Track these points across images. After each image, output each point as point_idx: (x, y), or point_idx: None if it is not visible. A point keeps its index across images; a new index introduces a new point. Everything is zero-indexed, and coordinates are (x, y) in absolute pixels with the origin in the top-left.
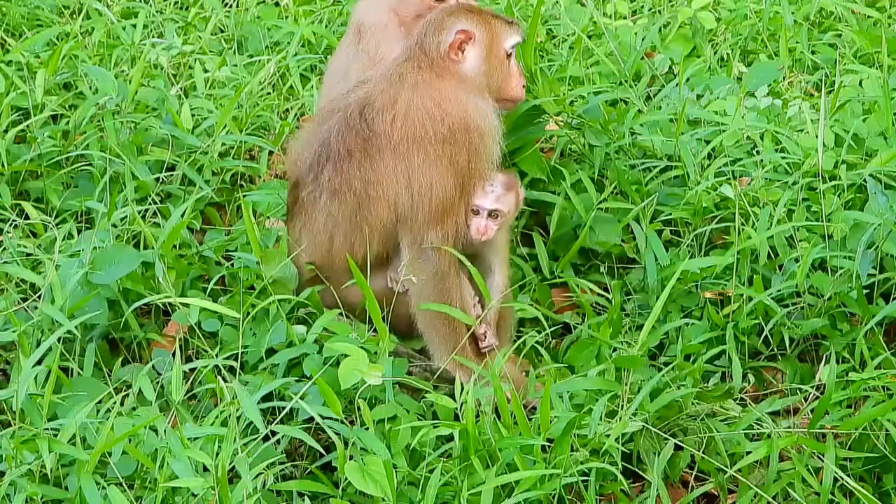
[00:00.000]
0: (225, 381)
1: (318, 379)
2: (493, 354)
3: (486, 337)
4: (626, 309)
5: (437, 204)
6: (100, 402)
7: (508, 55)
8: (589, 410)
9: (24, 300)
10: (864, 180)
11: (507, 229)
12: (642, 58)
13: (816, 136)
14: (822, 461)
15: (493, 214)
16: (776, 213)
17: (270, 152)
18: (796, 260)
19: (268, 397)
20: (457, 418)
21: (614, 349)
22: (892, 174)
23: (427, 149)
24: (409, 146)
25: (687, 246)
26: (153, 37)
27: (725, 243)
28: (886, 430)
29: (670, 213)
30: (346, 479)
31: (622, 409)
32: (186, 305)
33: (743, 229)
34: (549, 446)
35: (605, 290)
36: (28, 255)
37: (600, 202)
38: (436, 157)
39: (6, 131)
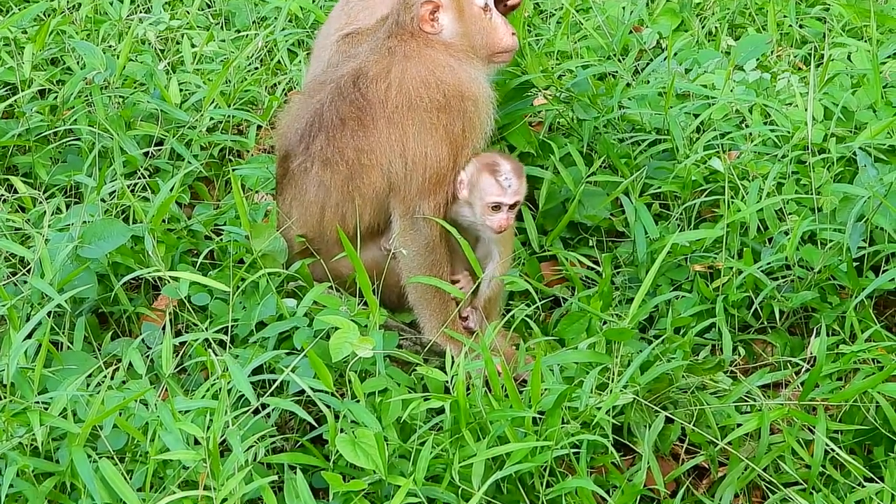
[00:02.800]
0: (215, 354)
1: (309, 352)
2: (478, 334)
3: (468, 319)
4: (615, 283)
5: (430, 173)
6: (90, 376)
7: (485, 9)
8: (580, 383)
9: (14, 274)
10: (854, 153)
11: None
12: (630, 32)
13: (805, 110)
14: (813, 434)
15: (513, 206)
16: (766, 187)
17: (259, 127)
18: (786, 233)
19: (258, 371)
20: (447, 391)
21: (604, 322)
22: (881, 147)
23: (422, 117)
24: (403, 114)
25: (676, 219)
26: (140, 12)
27: (715, 216)
28: (877, 403)
29: (659, 187)
30: (337, 451)
31: (613, 381)
32: (176, 279)
33: (732, 202)
34: (539, 419)
35: (595, 263)
36: (17, 229)
37: (589, 176)
38: (431, 125)
39: None
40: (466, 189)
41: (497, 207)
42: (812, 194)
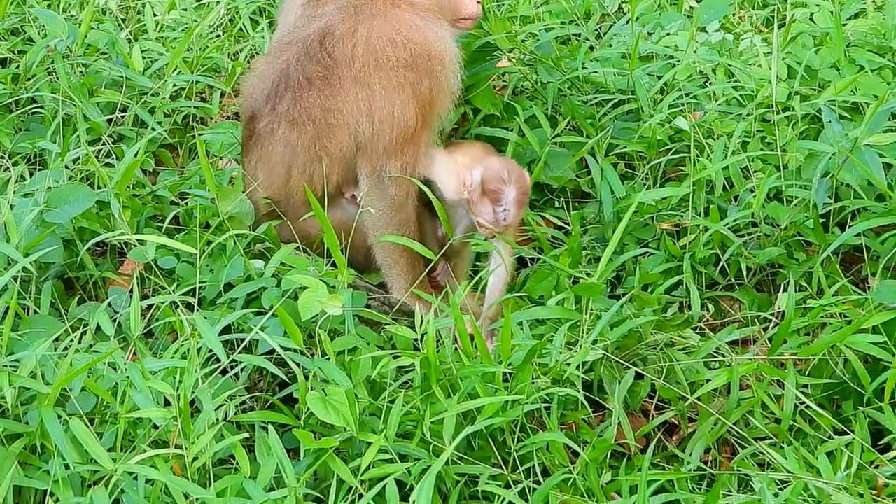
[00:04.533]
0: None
1: (279, 310)
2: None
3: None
4: (582, 242)
5: (397, 132)
6: (57, 339)
7: None
8: (550, 339)
9: None
10: (819, 110)
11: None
12: None
13: (769, 69)
14: (782, 388)
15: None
16: (731, 145)
17: (222, 93)
18: (752, 190)
19: (226, 332)
20: (417, 350)
21: (574, 280)
22: (845, 104)
23: (389, 75)
24: (370, 73)
25: (642, 178)
26: None
27: (680, 175)
28: (845, 357)
29: (625, 147)
30: (308, 410)
31: (582, 338)
32: (142, 242)
33: (698, 161)
34: (510, 375)
35: (562, 225)
36: None
37: (554, 137)
38: (398, 83)
39: None
40: (468, 193)
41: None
42: (777, 151)
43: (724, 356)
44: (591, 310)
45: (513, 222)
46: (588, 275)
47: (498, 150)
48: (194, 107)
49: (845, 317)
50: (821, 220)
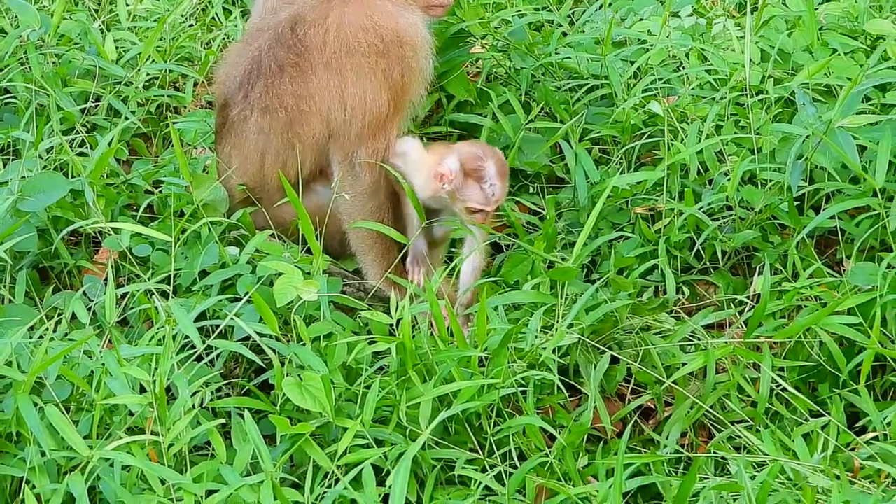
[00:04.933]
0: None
1: (254, 295)
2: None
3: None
4: (557, 227)
5: (369, 119)
6: (31, 328)
7: None
8: (525, 323)
9: None
10: (793, 93)
11: None
12: None
13: (742, 53)
14: (758, 371)
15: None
16: (705, 128)
17: (195, 82)
18: (726, 174)
19: (202, 318)
20: (392, 336)
21: (549, 264)
22: (818, 87)
23: (360, 62)
24: (341, 59)
25: (616, 163)
26: None
27: (655, 160)
28: (820, 340)
29: (599, 132)
30: (284, 396)
31: (558, 322)
32: (117, 231)
33: (672, 145)
34: (486, 359)
35: (537, 210)
36: None
37: (528, 122)
38: (369, 69)
39: None
40: (448, 185)
41: (478, 211)
42: (751, 135)
43: (699, 339)
44: (567, 294)
45: (501, 196)
46: (563, 259)
47: (472, 136)
48: (168, 96)
49: (820, 299)
50: (795, 203)
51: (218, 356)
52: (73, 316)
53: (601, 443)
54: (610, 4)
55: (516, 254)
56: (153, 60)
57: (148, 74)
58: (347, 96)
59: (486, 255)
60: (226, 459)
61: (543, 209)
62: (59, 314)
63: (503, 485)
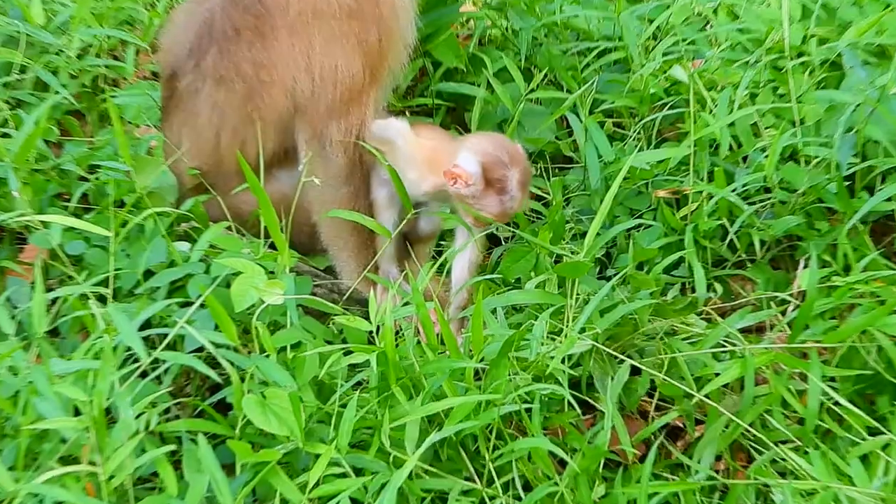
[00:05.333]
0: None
1: (209, 299)
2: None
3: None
4: (565, 214)
5: (342, 90)
6: None
7: None
8: (529, 327)
9: None
10: (839, 55)
11: None
12: None
13: (780, 8)
14: (805, 382)
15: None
16: (737, 97)
17: (137, 50)
18: (763, 150)
19: (147, 327)
20: (372, 344)
21: (556, 258)
22: (869, 47)
23: (330, 24)
24: (308, 22)
25: (634, 139)
26: None
27: (679, 134)
28: (878, 344)
29: (612, 103)
30: (245, 417)
31: (567, 326)
32: (46, 225)
33: (699, 117)
34: (483, 371)
35: (541, 195)
36: None
37: (529, 92)
38: (340, 33)
39: None
40: (465, 189)
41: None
42: (792, 104)
43: (735, 345)
44: (578, 293)
45: (519, 209)
46: (573, 252)
47: (464, 109)
48: (105, 66)
49: (877, 296)
50: (845, 184)
51: (166, 371)
52: None
53: (621, 468)
54: None
55: (517, 247)
56: (88, 25)
57: (82, 41)
58: (315, 64)
59: (482, 247)
60: (176, 493)
61: (549, 194)
62: None
63: None
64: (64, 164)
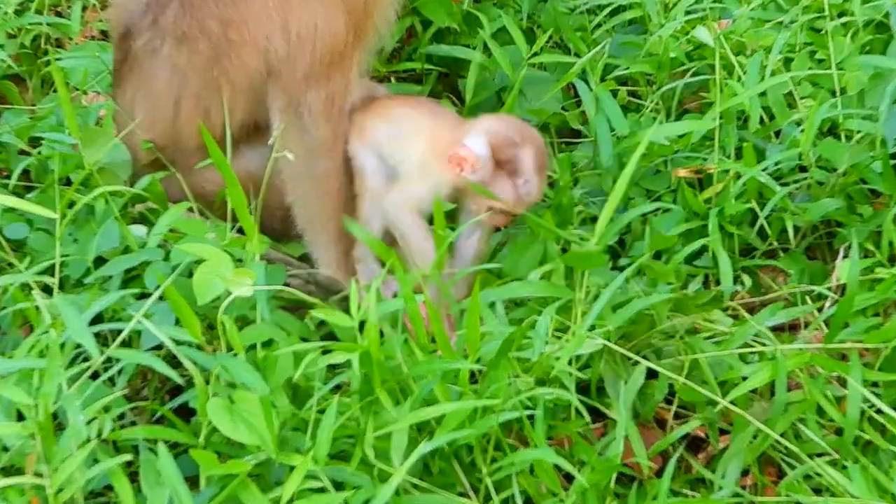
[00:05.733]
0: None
1: (168, 290)
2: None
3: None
4: (573, 196)
5: (321, 52)
6: None
7: None
8: (532, 324)
9: None
10: (886, 14)
11: None
12: None
13: None
14: (844, 387)
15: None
16: (769, 63)
17: (84, 6)
18: (798, 123)
19: (98, 321)
20: (354, 342)
21: (563, 246)
22: None
23: None
24: None
25: (651, 110)
26: None
27: (702, 105)
28: None
29: (627, 68)
30: (210, 423)
31: (575, 323)
32: None
33: (726, 85)
34: (480, 373)
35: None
36: None
37: (532, 56)
38: None
39: None
40: (472, 174)
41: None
42: (832, 71)
43: (765, 345)
44: (587, 286)
45: (537, 196)
46: (582, 239)
47: (457, 75)
48: (48, 24)
49: None
50: (892, 162)
51: (121, 372)
52: None
53: (635, 484)
54: None
55: (519, 234)
56: None
57: None
58: (292, 21)
59: (488, 235)
60: None
61: (555, 172)
62: None
63: None
64: (1, 135)
